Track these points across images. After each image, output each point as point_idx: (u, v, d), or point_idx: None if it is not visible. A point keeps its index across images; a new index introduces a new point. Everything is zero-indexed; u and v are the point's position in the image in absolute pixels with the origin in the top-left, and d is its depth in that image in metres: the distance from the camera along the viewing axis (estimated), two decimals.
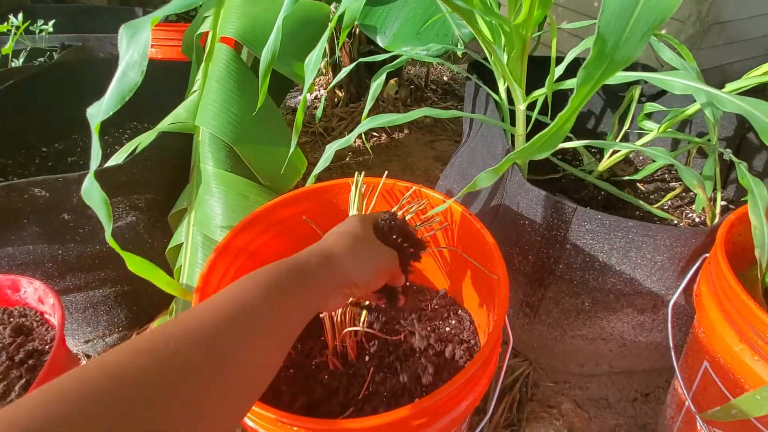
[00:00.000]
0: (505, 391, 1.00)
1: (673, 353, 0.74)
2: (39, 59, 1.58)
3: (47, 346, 0.83)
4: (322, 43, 0.79)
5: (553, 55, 0.71)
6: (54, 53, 1.61)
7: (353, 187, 0.70)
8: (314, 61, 0.81)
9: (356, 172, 0.71)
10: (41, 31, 1.63)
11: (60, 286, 1.00)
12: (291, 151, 0.93)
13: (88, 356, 1.12)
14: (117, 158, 1.05)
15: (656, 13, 0.38)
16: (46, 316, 0.88)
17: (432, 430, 0.52)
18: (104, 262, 1.01)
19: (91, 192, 0.75)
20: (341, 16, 0.87)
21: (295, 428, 0.47)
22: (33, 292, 0.86)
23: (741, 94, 0.91)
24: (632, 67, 1.20)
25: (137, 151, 1.01)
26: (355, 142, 1.96)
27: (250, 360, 0.33)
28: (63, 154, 1.35)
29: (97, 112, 0.73)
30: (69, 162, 1.33)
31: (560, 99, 1.33)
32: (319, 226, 0.79)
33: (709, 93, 0.58)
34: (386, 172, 0.75)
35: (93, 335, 1.10)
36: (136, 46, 0.76)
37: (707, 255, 0.74)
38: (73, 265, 0.99)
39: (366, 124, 0.75)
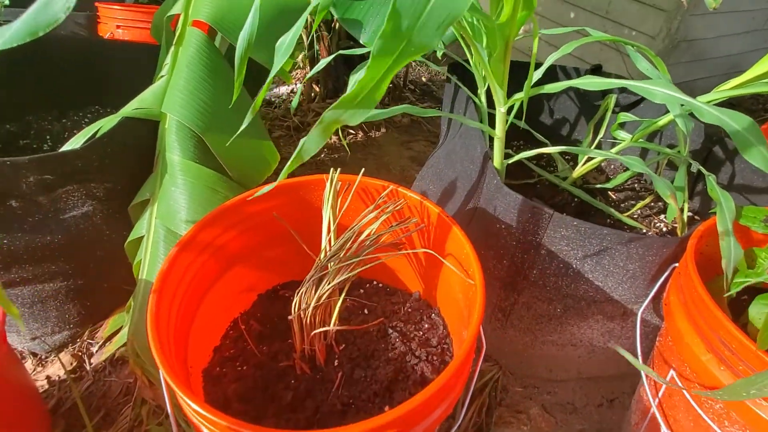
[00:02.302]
0: (475, 395, 1.00)
1: (640, 359, 0.74)
2: None
3: None
4: (299, 26, 0.75)
5: (534, 57, 0.71)
6: None
7: (328, 184, 0.68)
8: (287, 43, 0.77)
9: (332, 169, 0.69)
10: None
11: (4, 278, 0.93)
12: (262, 147, 0.89)
13: (34, 354, 1.05)
14: (74, 142, 0.98)
15: (448, 8, 0.40)
16: None
17: None
18: (56, 254, 0.94)
19: None
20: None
21: None
22: None
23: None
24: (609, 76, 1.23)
25: (97, 135, 0.95)
26: (331, 138, 1.93)
27: None
28: (14, 135, 1.26)
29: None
30: (21, 144, 1.24)
31: (537, 103, 1.34)
32: (291, 223, 0.75)
33: (689, 103, 0.59)
34: (363, 169, 0.72)
35: (41, 332, 1.03)
36: None
37: (676, 264, 0.75)
38: (21, 256, 0.92)
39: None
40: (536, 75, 0.87)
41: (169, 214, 0.93)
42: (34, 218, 0.90)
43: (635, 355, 0.78)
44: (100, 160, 0.93)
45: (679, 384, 0.67)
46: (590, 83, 0.68)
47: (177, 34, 1.08)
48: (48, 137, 1.27)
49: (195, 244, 0.65)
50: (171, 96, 0.99)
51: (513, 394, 1.02)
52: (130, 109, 1.00)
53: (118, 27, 1.58)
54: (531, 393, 1.03)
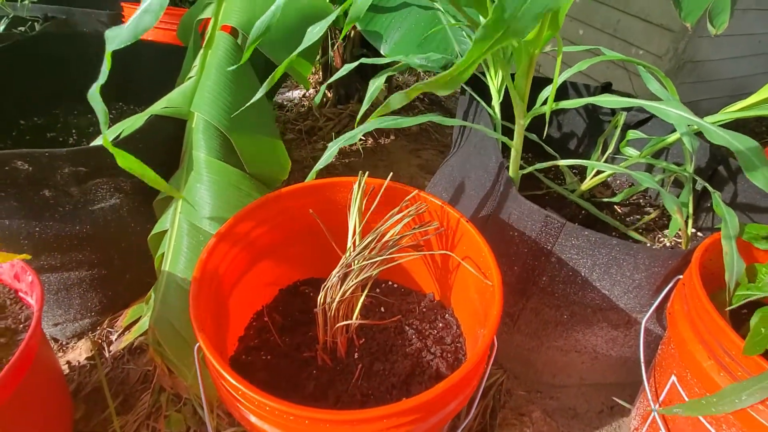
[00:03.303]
0: (479, 397, 1.03)
1: (643, 366, 0.78)
2: (20, 28, 1.52)
3: (21, 325, 0.80)
4: (328, 20, 0.81)
5: (557, 74, 0.75)
6: (36, 24, 1.55)
7: (356, 187, 0.72)
8: (317, 32, 0.83)
9: (360, 172, 0.73)
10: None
11: (34, 265, 0.96)
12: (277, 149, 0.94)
13: (55, 340, 1.08)
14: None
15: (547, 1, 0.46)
16: (20, 294, 0.84)
17: (424, 426, 0.54)
18: (83, 243, 0.98)
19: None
20: (345, 13, 0.89)
21: (306, 421, 0.47)
22: (9, 268, 0.83)
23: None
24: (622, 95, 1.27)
25: (125, 132, 0.99)
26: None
27: None
28: (42, 128, 1.30)
29: (116, 35, 0.73)
30: (48, 137, 1.28)
31: (541, 117, 1.38)
32: (316, 221, 0.79)
33: (699, 124, 0.63)
34: (390, 173, 0.77)
35: (63, 318, 1.06)
36: None
37: (681, 277, 0.78)
38: (50, 244, 0.95)
39: (373, 123, 0.77)
40: (549, 90, 0.91)
41: (194, 209, 0.96)
42: (65, 208, 0.94)
43: (638, 362, 0.82)
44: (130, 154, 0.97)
45: (680, 388, 0.70)
46: (608, 101, 0.73)
47: (206, 37, 1.13)
48: (74, 131, 1.31)
49: (231, 236, 0.69)
50: (200, 96, 1.03)
51: (517, 397, 1.06)
52: (159, 107, 1.04)
53: None
54: (534, 397, 1.06)
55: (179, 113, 1.05)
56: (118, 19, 1.74)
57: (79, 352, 1.05)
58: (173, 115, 1.04)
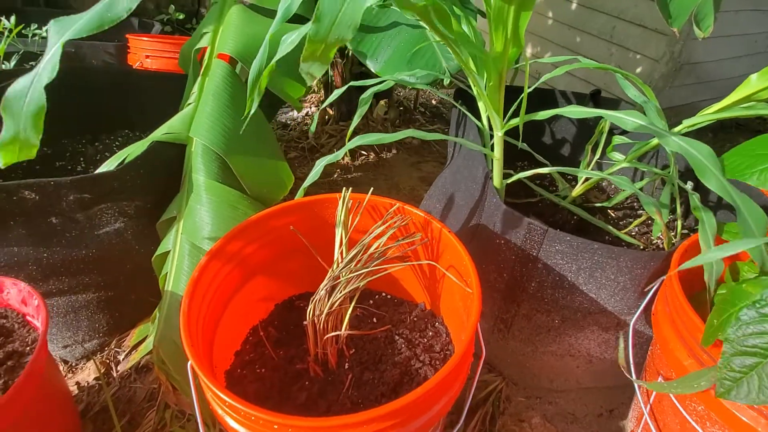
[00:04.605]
0: (479, 405, 1.04)
1: (633, 368, 0.79)
2: (30, 63, 1.60)
3: (28, 348, 0.84)
4: (300, 33, 0.84)
5: (525, 89, 0.78)
6: None
7: (341, 202, 0.75)
8: (291, 42, 0.86)
9: (344, 188, 0.76)
10: (34, 35, 1.65)
11: (42, 290, 1.01)
12: (279, 168, 0.97)
13: (65, 362, 1.12)
14: (109, 165, 1.07)
15: (354, 12, 0.59)
16: (28, 318, 0.88)
17: (409, 428, 0.56)
18: (89, 267, 1.02)
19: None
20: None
21: (290, 429, 0.50)
22: (17, 293, 0.87)
23: (700, 130, 0.99)
24: (600, 105, 1.30)
25: (129, 158, 1.04)
26: (343, 159, 2.01)
27: None
28: (50, 158, 1.36)
29: (69, 26, 0.72)
30: (57, 166, 1.34)
31: (538, 126, 1.41)
32: (306, 237, 0.83)
33: (656, 132, 0.65)
34: (371, 188, 0.80)
35: (72, 340, 1.10)
36: None
37: (665, 277, 0.79)
38: (58, 268, 1.00)
39: (355, 141, 0.80)
40: (540, 98, 0.94)
41: (194, 230, 1.00)
42: (71, 234, 0.98)
43: (629, 365, 0.83)
44: (132, 180, 1.02)
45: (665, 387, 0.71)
46: (573, 112, 0.75)
47: (204, 65, 1.18)
48: (81, 159, 1.37)
49: (222, 255, 0.72)
50: (198, 122, 1.08)
51: (516, 403, 1.06)
52: (160, 133, 1.09)
53: (146, 57, 1.70)
54: (533, 403, 1.06)
55: (179, 138, 1.10)
56: (124, 51, 1.82)
57: (88, 373, 1.09)
58: (173, 140, 1.09)
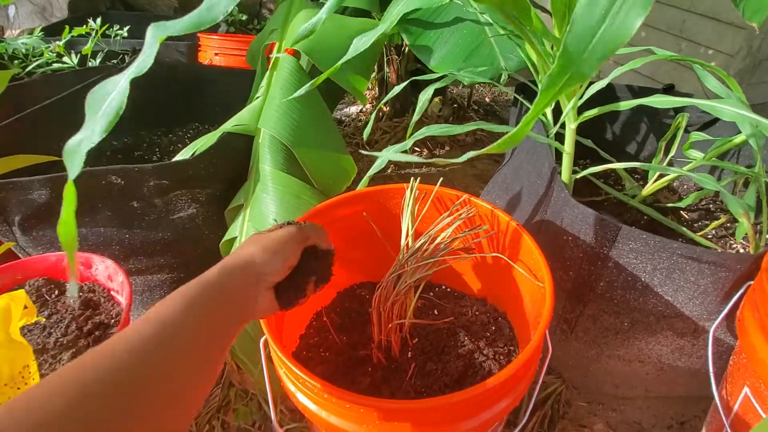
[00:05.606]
0: (537, 406, 1.02)
1: (713, 378, 0.74)
2: (113, 60, 1.72)
3: (113, 320, 0.90)
4: (374, 34, 0.85)
5: (607, 80, 0.75)
6: (126, 56, 1.75)
7: (408, 191, 0.75)
8: (363, 43, 0.87)
9: (412, 178, 0.76)
10: (116, 35, 1.77)
11: (123, 268, 1.08)
12: (341, 160, 0.99)
13: None
14: (185, 154, 1.14)
15: (614, 38, 0.43)
16: (112, 293, 0.95)
17: (475, 421, 0.56)
18: (164, 249, 1.09)
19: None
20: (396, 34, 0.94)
21: (362, 409, 0.51)
22: (104, 269, 0.94)
23: None
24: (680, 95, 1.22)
25: (200, 149, 1.09)
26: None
27: (174, 381, 0.35)
28: (131, 147, 1.46)
29: (171, 26, 0.74)
30: (135, 156, 1.44)
31: (603, 122, 1.35)
32: (371, 227, 0.84)
33: (759, 122, 0.60)
34: (441, 179, 0.80)
35: None
36: None
37: (752, 282, 0.74)
38: (137, 249, 1.07)
39: (424, 131, 0.81)
40: (602, 93, 0.91)
41: (260, 218, 1.04)
42: (150, 217, 1.05)
43: (707, 374, 0.78)
44: (205, 168, 1.07)
45: (753, 401, 0.66)
46: (660, 101, 0.71)
47: (272, 60, 1.23)
48: (157, 149, 1.47)
49: None
50: (266, 114, 1.12)
51: (577, 408, 1.03)
52: (230, 125, 1.15)
53: (216, 54, 1.79)
54: (595, 409, 1.03)
55: (248, 130, 1.15)
56: (194, 49, 1.92)
57: None
58: (242, 131, 1.14)
